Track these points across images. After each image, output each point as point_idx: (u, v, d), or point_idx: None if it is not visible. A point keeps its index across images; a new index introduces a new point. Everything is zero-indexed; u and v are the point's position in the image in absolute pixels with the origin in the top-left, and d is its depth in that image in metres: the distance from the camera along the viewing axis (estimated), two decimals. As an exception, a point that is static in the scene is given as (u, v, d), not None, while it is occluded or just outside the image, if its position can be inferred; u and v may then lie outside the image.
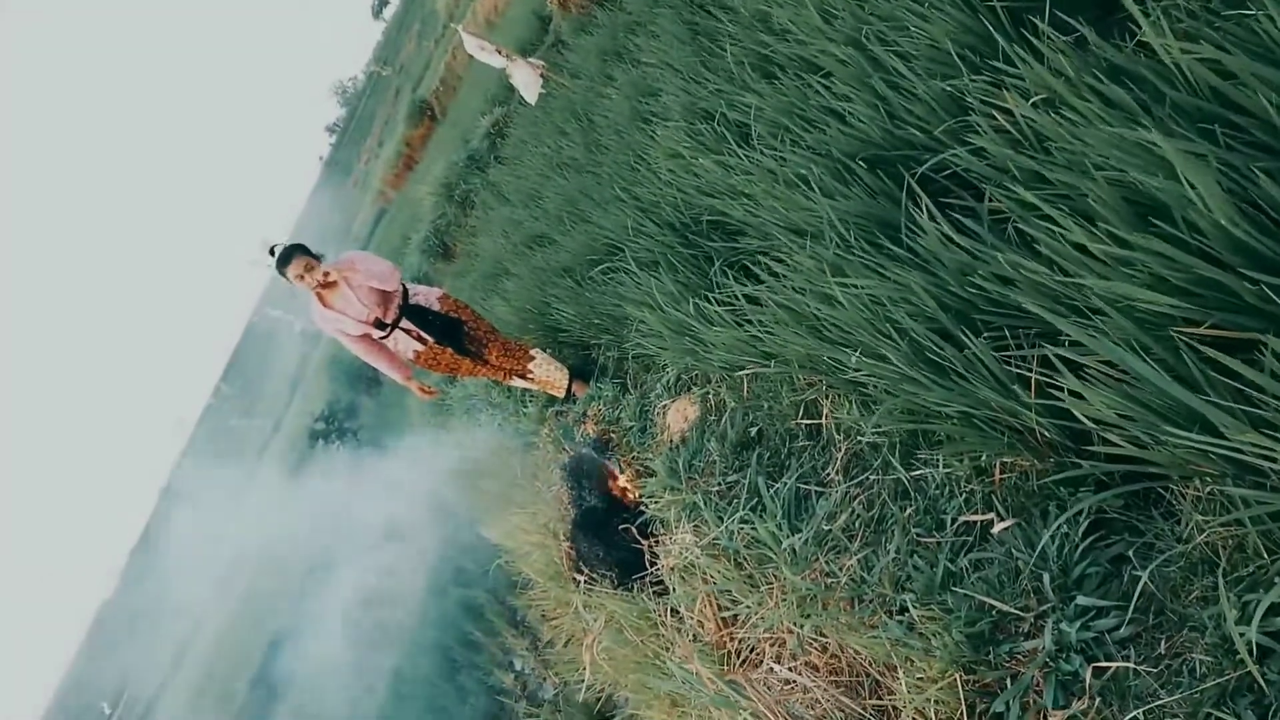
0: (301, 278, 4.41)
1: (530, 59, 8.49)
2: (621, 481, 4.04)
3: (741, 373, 3.21)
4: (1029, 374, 1.94)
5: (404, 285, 4.68)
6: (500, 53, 8.13)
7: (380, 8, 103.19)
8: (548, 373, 5.05)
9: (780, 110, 3.38)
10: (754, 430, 3.20)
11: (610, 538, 3.77)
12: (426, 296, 4.80)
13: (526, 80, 8.40)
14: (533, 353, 5.03)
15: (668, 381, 3.99)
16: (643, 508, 3.74)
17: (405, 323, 4.69)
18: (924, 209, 2.27)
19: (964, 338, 2.06)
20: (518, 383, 5.18)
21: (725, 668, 2.73)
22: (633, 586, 3.61)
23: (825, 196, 2.70)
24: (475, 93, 16.95)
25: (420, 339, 4.73)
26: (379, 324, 4.63)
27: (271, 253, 4.51)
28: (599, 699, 5.80)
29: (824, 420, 2.76)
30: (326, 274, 4.41)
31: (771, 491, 2.81)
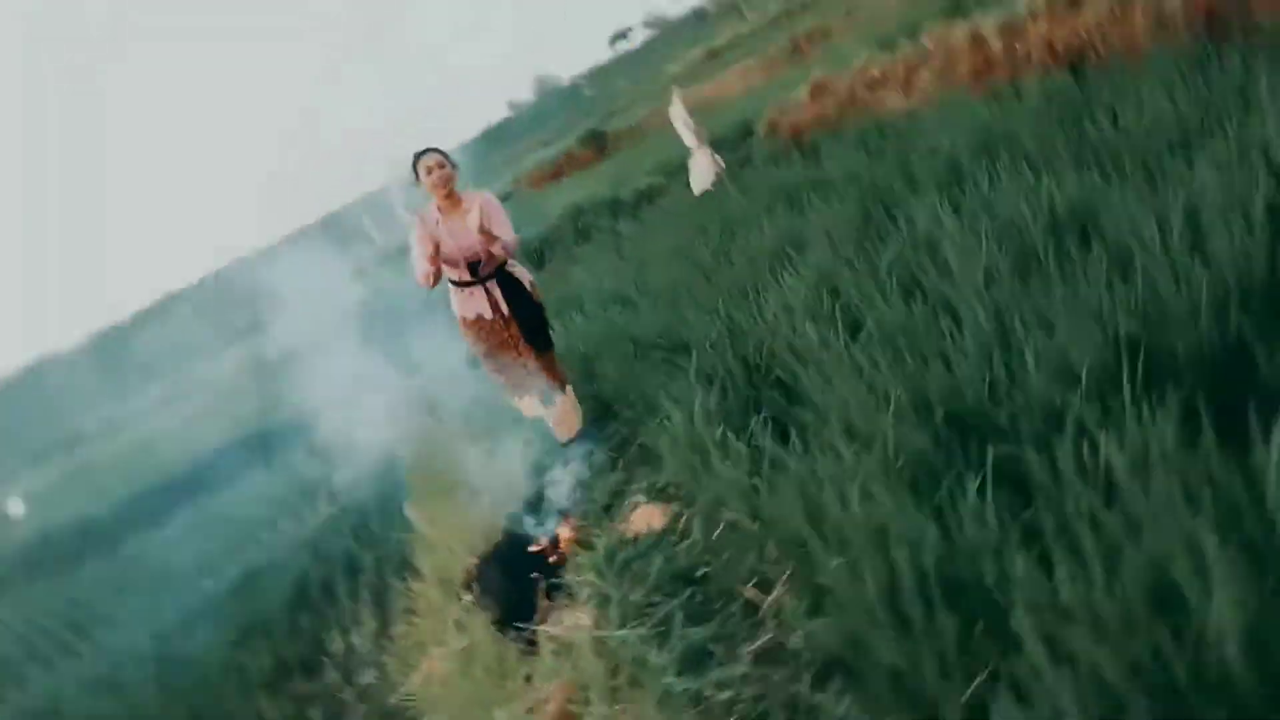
0: (430, 171, 4.38)
1: (717, 155, 8.71)
2: (564, 533, 4.00)
3: (723, 514, 3.20)
4: (976, 681, 1.92)
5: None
6: (697, 133, 8.35)
7: (616, 39, 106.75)
8: (571, 409, 4.98)
9: (897, 326, 3.45)
10: (701, 571, 3.16)
11: (517, 576, 3.72)
12: (522, 273, 4.78)
13: (703, 170, 8.61)
14: (567, 387, 5.02)
15: (654, 483, 3.98)
16: (560, 572, 3.70)
17: (493, 285, 4.64)
18: (980, 485, 2.27)
19: (939, 611, 2.04)
20: (532, 408, 4.99)
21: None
22: (508, 631, 3.55)
23: (894, 416, 2.72)
24: (651, 152, 17.38)
25: (495, 306, 4.65)
26: (472, 268, 4.58)
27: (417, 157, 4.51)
28: (405, 711, 5.66)
29: (768, 601, 2.72)
30: (453, 189, 4.43)
31: (680, 632, 2.77)
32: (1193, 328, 2.46)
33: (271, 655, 7.88)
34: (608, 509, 4.04)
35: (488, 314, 4.66)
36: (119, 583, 13.54)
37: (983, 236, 3.71)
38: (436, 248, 4.41)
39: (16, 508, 22.31)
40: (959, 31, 7.79)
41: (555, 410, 4.91)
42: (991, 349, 2.86)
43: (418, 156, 4.42)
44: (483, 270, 4.58)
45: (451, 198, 4.45)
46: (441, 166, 4.39)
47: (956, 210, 4.54)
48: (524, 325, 4.72)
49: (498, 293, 4.64)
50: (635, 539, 3.61)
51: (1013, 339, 2.86)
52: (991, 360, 2.79)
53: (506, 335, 4.71)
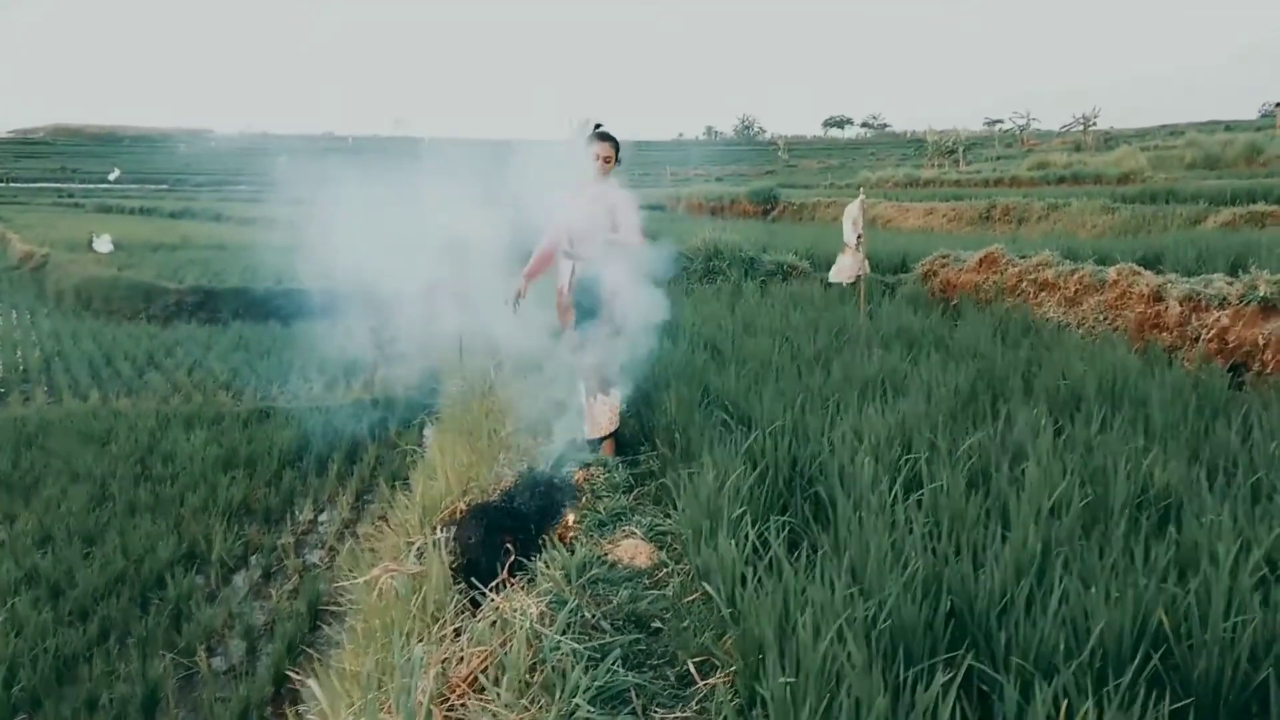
0: (596, 158, 5.08)
1: (866, 265, 8.71)
2: (570, 519, 4.06)
3: (703, 585, 3.20)
4: None
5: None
6: (858, 237, 8.36)
7: (832, 124, 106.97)
8: (609, 410, 5.10)
9: (950, 506, 3.43)
10: (657, 625, 3.17)
11: (493, 538, 3.77)
12: (613, 275, 5.06)
13: (845, 268, 8.60)
14: (615, 389, 5.13)
15: (656, 525, 4.00)
16: (531, 554, 3.73)
17: (580, 265, 5.12)
18: (946, 688, 2.25)
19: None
20: (580, 394, 5.24)
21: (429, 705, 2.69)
22: (459, 582, 3.60)
23: (904, 584, 2.71)
24: (808, 236, 17.42)
25: (570, 285, 5.14)
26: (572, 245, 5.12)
27: (597, 126, 5.13)
28: (333, 600, 5.76)
29: (704, 682, 2.73)
30: (605, 168, 5.08)
31: (611, 667, 2.78)
32: None
33: (243, 492, 8.11)
34: (602, 525, 4.07)
35: (565, 288, 5.17)
36: (153, 346, 14.05)
37: (1065, 474, 3.67)
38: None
39: (104, 245, 23.20)
40: (1145, 280, 7.68)
41: (590, 406, 5.13)
42: (1025, 577, 2.82)
43: (595, 134, 5.08)
44: (575, 249, 5.08)
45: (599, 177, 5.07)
46: (608, 162, 5.11)
47: (1057, 434, 4.49)
48: (580, 315, 5.10)
49: (574, 276, 5.12)
50: (613, 565, 3.63)
51: (1050, 579, 2.82)
52: (1018, 587, 2.76)
53: (569, 314, 5.16)
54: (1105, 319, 7.81)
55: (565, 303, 5.19)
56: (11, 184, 69.45)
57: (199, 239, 27.62)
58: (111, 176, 69.39)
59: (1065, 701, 2.22)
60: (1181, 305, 7.11)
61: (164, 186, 65.11)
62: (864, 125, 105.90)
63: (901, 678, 2.32)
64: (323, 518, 8.05)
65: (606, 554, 3.72)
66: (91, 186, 65.62)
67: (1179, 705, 2.30)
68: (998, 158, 49.54)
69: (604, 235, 4.98)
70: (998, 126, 70.47)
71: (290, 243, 17.26)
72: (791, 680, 2.34)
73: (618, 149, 5.19)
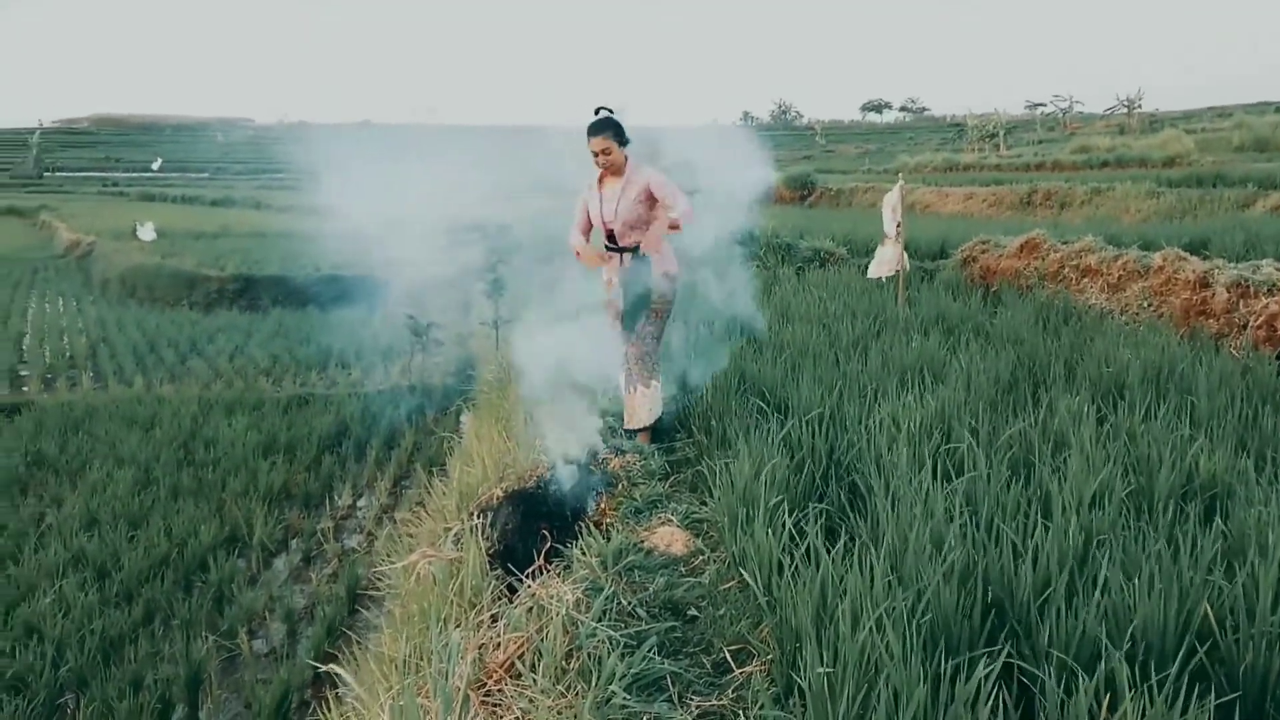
0: (596, 155, 4.74)
1: (906, 255, 8.62)
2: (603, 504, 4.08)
3: (739, 573, 3.20)
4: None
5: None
6: (898, 226, 8.27)
7: (869, 108, 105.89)
8: (648, 402, 4.94)
9: (989, 495, 3.39)
10: (693, 613, 3.17)
11: (530, 524, 3.78)
12: (661, 260, 4.85)
13: (885, 261, 8.53)
14: (656, 380, 5.01)
15: (692, 512, 3.99)
16: (567, 541, 3.73)
17: (626, 258, 4.87)
18: (987, 679, 2.23)
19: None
20: (621, 384, 5.07)
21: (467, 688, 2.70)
22: (496, 568, 3.62)
23: (942, 574, 2.68)
24: (846, 222, 17.27)
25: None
26: (612, 237, 4.86)
27: (597, 111, 4.80)
28: (372, 585, 5.82)
29: (739, 672, 2.72)
30: (615, 165, 4.75)
31: (647, 654, 2.78)
32: None
33: (284, 477, 8.21)
34: (639, 512, 4.07)
35: (612, 282, 4.94)
36: (195, 333, 14.25)
37: (1110, 463, 3.61)
38: (587, 215, 4.92)
39: (148, 234, 23.54)
40: (1192, 266, 7.53)
41: (631, 397, 4.97)
42: (1066, 568, 2.78)
43: (588, 133, 4.74)
44: (625, 241, 4.84)
45: (612, 170, 4.79)
46: (607, 153, 4.71)
47: (1100, 423, 4.42)
48: (625, 309, 4.93)
49: (623, 269, 4.90)
50: (649, 552, 3.63)
51: (1092, 570, 2.78)
52: (1060, 578, 2.72)
53: (616, 308, 4.95)
54: (1150, 306, 7.67)
55: (613, 297, 4.94)
56: (58, 173, 70.66)
57: (239, 227, 27.95)
58: (155, 165, 70.42)
59: (1108, 695, 2.19)
60: (1229, 291, 6.96)
61: (204, 175, 65.95)
62: (903, 109, 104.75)
63: (941, 669, 2.30)
64: (361, 503, 8.14)
65: (642, 541, 3.72)
66: (135, 175, 66.68)
67: (1224, 700, 2.26)
68: (1039, 141, 48.84)
69: (662, 219, 4.69)
70: (1039, 110, 69.41)
71: (328, 230, 17.41)
72: (829, 670, 2.33)
73: (620, 134, 4.73)
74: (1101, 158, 30.00)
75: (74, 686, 5.18)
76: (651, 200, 4.75)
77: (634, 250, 4.83)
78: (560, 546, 3.71)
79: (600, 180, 4.87)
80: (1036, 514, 3.19)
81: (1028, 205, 22.04)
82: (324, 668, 4.24)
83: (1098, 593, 2.61)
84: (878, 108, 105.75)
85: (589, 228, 4.95)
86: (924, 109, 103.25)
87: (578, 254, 4.86)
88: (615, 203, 4.77)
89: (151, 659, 5.37)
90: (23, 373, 12.82)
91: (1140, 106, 55.24)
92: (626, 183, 4.76)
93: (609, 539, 3.58)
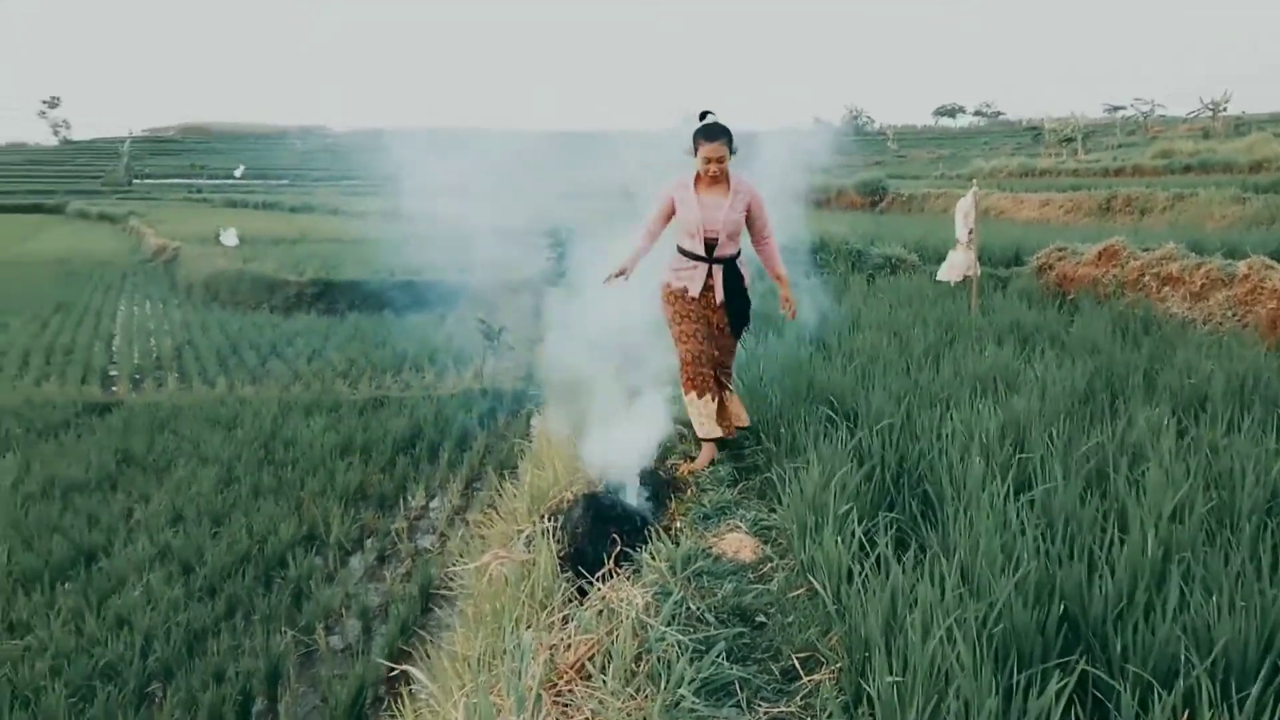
0: (709, 161, 4.48)
1: (977, 265, 8.52)
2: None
3: (808, 583, 3.21)
4: None
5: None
6: (969, 233, 8.19)
7: (943, 113, 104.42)
8: (711, 415, 4.74)
9: (1065, 509, 3.35)
10: (761, 619, 3.19)
11: (600, 528, 3.83)
12: (747, 271, 4.81)
13: (955, 265, 8.45)
14: (725, 393, 4.87)
15: (760, 520, 4.01)
16: (637, 545, 3.77)
17: (717, 269, 4.66)
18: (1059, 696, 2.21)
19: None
20: (693, 399, 4.74)
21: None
22: (567, 571, 3.68)
23: (1016, 586, 2.66)
24: (917, 228, 17.06)
25: (708, 289, 4.66)
26: (709, 247, 4.61)
27: (703, 116, 4.56)
28: (444, 584, 5.93)
29: (808, 680, 2.73)
30: (722, 169, 4.52)
31: (716, 660, 2.81)
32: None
33: (359, 477, 8.41)
34: (707, 518, 4.10)
35: (694, 292, 4.66)
36: (276, 336, 14.66)
37: (1191, 477, 3.53)
38: (670, 212, 4.64)
39: (230, 239, 24.25)
40: (1279, 274, 7.30)
41: (698, 405, 4.75)
42: (1143, 583, 2.74)
43: (702, 137, 4.49)
44: (718, 252, 4.62)
45: (715, 178, 4.55)
46: (720, 161, 4.48)
47: (1180, 436, 4.33)
48: (733, 319, 4.74)
49: (718, 279, 4.67)
50: (718, 558, 3.66)
51: (1170, 586, 2.74)
52: (1136, 593, 2.68)
53: (706, 316, 4.70)
54: (1234, 315, 7.46)
55: (697, 310, 4.69)
56: (146, 180, 73.10)
57: (317, 233, 28.62)
58: (237, 173, 72.39)
59: (1185, 712, 2.16)
60: (1320, 301, 6.74)
61: (284, 182, 67.59)
62: (977, 113, 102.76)
63: (1013, 681, 2.29)
64: (434, 504, 8.29)
65: (711, 547, 3.74)
66: (218, 182, 68.63)
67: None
68: (1119, 146, 47.57)
69: (772, 247, 4.69)
70: (1119, 113, 67.55)
71: (403, 235, 17.74)
72: (899, 679, 2.33)
73: (731, 141, 4.52)
74: (1184, 162, 29.13)
75: (161, 676, 5.37)
76: (746, 213, 4.62)
77: (728, 262, 4.66)
78: (629, 551, 3.76)
79: (695, 183, 4.60)
80: (1113, 528, 3.14)
81: (1106, 211, 21.52)
82: (398, 667, 4.35)
83: (1176, 609, 2.56)
84: (951, 112, 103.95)
85: (665, 223, 4.69)
86: (999, 113, 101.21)
87: (622, 273, 4.53)
88: (721, 211, 4.55)
89: (233, 652, 5.55)
90: (112, 373, 13.32)
91: (1226, 109, 53.47)
92: (734, 193, 4.56)
93: (678, 544, 3.62)
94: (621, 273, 4.52)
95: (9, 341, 14.88)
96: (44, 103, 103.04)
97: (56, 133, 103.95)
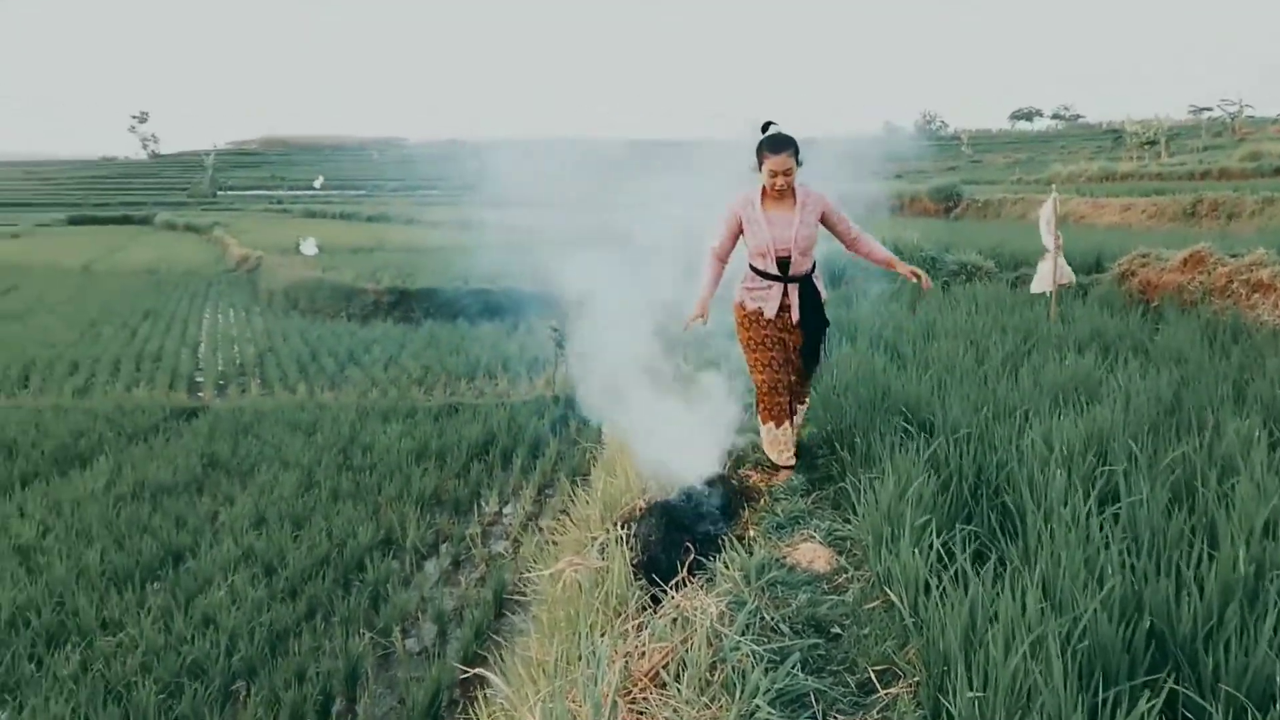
0: (775, 175, 4.25)
1: (1070, 273, 8.35)
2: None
3: (885, 594, 3.18)
4: None
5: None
6: (1055, 240, 8.01)
7: (1020, 116, 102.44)
8: (780, 439, 4.70)
9: (1151, 523, 3.27)
10: (836, 630, 3.17)
11: (673, 536, 3.84)
12: (822, 288, 4.63)
13: (1046, 275, 8.27)
14: (796, 418, 4.77)
15: (835, 530, 3.98)
16: (710, 554, 3.77)
17: (794, 288, 4.46)
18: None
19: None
20: (770, 429, 4.70)
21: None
22: (640, 578, 3.69)
23: (1101, 602, 2.60)
24: (994, 234, 16.75)
25: (784, 309, 4.46)
26: (781, 265, 4.39)
27: (765, 126, 4.35)
28: (518, 590, 6.00)
29: (884, 693, 2.70)
30: (789, 182, 4.28)
31: (791, 670, 2.80)
32: None
33: (435, 482, 8.55)
34: (780, 528, 4.08)
35: (770, 313, 4.47)
36: (354, 343, 14.97)
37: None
38: (738, 233, 4.43)
39: (310, 249, 24.86)
40: (1379, 279, 7.01)
41: (775, 434, 4.70)
42: (1235, 600, 2.66)
43: (767, 149, 4.28)
44: (792, 270, 4.41)
45: (782, 191, 4.33)
46: (787, 174, 4.26)
47: (1272, 448, 4.18)
48: (807, 339, 4.55)
49: (794, 298, 4.47)
50: (792, 568, 3.64)
51: (1264, 603, 2.65)
52: (1230, 608, 2.60)
53: (782, 339, 4.52)
54: (1332, 323, 7.18)
55: (773, 331, 4.51)
56: (229, 192, 75.35)
57: (394, 242, 29.19)
58: (316, 184, 74.22)
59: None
60: None
61: (362, 192, 69.03)
62: (1054, 117, 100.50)
63: (1098, 698, 2.24)
64: (507, 510, 8.39)
65: (785, 557, 3.73)
66: (298, 193, 70.46)
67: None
68: (1205, 148, 46.03)
69: (874, 243, 4.49)
70: (1205, 115, 65.45)
71: (477, 244, 18.00)
72: (980, 694, 2.30)
73: (798, 153, 4.28)
74: (1274, 164, 28.10)
75: (245, 675, 5.53)
76: (821, 221, 4.42)
77: (804, 279, 4.47)
78: (702, 559, 3.76)
79: (761, 199, 4.37)
80: (1202, 543, 3.05)
81: (1192, 216, 20.87)
82: (472, 671, 4.42)
83: (1270, 628, 2.48)
84: (1028, 115, 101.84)
85: (733, 245, 4.48)
86: (1077, 116, 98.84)
87: (700, 315, 4.35)
88: (791, 228, 4.31)
89: (314, 652, 5.68)
90: (198, 379, 13.75)
91: (1321, 108, 51.41)
92: (802, 205, 4.32)
93: (751, 553, 3.61)
94: (700, 315, 4.35)
95: (102, 349, 15.46)
96: (134, 117, 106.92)
97: (145, 146, 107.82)
